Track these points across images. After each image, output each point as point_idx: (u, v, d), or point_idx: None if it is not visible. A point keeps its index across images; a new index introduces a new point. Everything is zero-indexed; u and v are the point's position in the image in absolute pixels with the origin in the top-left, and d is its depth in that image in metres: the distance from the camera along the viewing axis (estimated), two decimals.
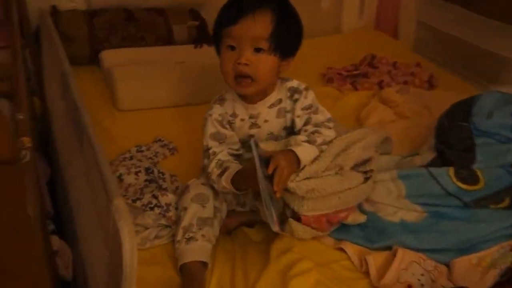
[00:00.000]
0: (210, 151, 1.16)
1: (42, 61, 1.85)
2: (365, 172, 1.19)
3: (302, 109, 1.18)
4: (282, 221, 1.11)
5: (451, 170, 1.23)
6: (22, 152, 0.93)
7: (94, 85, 1.80)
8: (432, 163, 1.30)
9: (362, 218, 1.18)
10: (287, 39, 1.11)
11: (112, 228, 0.78)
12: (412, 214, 1.19)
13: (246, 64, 1.09)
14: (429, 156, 1.32)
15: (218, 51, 1.17)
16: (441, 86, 1.93)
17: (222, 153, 1.16)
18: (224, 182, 1.10)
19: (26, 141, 0.97)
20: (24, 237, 0.52)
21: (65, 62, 1.34)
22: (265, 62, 1.10)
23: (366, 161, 1.20)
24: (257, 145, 1.08)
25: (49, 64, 1.68)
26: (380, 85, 1.89)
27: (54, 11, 1.89)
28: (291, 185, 1.08)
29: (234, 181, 1.09)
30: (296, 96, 1.19)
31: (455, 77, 2.03)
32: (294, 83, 1.21)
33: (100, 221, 0.91)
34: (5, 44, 1.50)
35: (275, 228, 1.00)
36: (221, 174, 1.11)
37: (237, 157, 1.19)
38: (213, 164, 1.14)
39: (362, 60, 2.04)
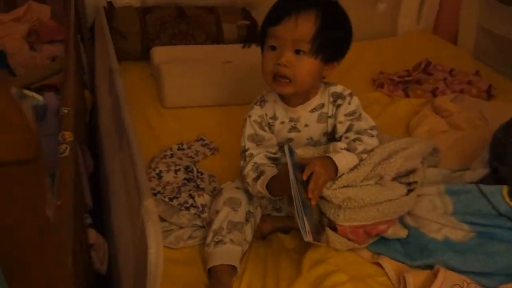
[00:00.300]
0: (247, 152, 1.14)
1: (95, 55, 1.90)
2: (409, 184, 1.14)
3: (345, 115, 1.14)
4: (318, 231, 1.07)
5: (504, 189, 1.14)
6: (62, 146, 0.95)
7: (144, 81, 1.83)
8: (483, 180, 1.22)
9: (403, 233, 1.13)
10: (330, 43, 1.08)
11: (140, 229, 0.78)
12: (458, 232, 1.13)
13: (285, 66, 1.07)
14: (481, 172, 1.24)
15: (263, 51, 1.15)
16: (501, 97, 1.81)
17: (259, 156, 1.14)
18: (259, 187, 1.08)
19: (68, 135, 0.99)
20: (44, 239, 0.51)
21: (113, 59, 1.36)
22: (305, 65, 1.08)
23: (410, 172, 1.14)
24: (292, 150, 1.05)
25: (101, 59, 1.72)
26: (434, 92, 1.80)
27: (110, 7, 1.94)
28: (327, 192, 1.04)
29: (269, 186, 1.07)
30: (339, 101, 1.15)
31: None
32: (338, 88, 1.17)
33: (132, 219, 0.91)
34: (63, 38, 1.55)
35: (307, 237, 0.96)
36: (256, 178, 1.10)
37: (274, 160, 1.17)
38: (249, 167, 1.12)
39: (416, 66, 1.94)
